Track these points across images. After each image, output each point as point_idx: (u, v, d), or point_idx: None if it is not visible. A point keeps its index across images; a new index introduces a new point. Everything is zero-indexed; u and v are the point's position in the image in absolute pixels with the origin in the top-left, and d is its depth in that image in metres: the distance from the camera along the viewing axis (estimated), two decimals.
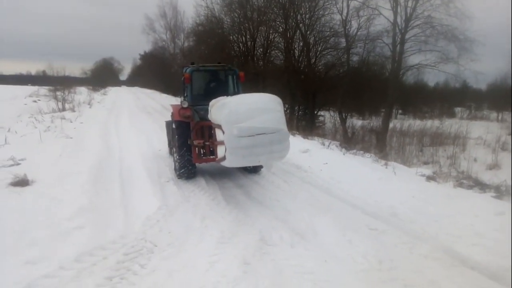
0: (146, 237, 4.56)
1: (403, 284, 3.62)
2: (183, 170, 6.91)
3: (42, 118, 15.59)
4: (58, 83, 27.29)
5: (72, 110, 19.80)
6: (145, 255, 4.13)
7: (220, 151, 5.38)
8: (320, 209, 5.58)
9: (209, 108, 5.54)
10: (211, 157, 6.58)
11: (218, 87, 7.54)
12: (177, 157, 6.90)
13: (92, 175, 7.04)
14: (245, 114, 5.01)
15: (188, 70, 7.22)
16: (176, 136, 6.89)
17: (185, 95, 7.31)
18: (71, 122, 14.87)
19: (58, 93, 23.72)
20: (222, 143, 5.22)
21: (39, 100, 25.06)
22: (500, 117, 31.41)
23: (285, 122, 5.40)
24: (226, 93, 7.13)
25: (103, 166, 7.87)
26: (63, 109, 20.20)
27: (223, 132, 5.12)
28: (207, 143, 6.46)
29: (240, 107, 5.13)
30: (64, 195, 5.81)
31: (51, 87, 27.64)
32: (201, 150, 6.76)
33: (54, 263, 3.81)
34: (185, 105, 6.66)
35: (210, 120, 5.71)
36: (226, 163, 5.34)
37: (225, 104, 5.23)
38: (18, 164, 7.58)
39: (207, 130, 6.48)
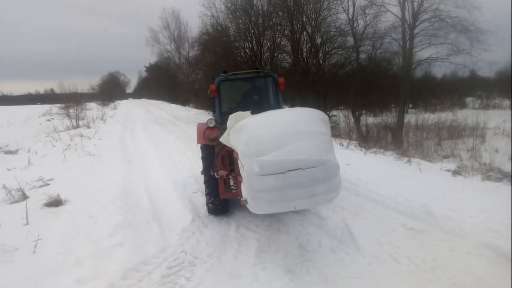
0: (185, 249, 4.62)
1: (451, 283, 3.60)
2: (213, 208, 5.59)
3: (58, 137, 15.89)
4: (68, 100, 27.76)
5: (87, 126, 20.14)
6: (188, 268, 4.18)
7: (244, 190, 3.96)
8: (352, 212, 5.58)
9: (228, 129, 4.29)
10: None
11: (253, 99, 6.16)
12: (204, 188, 5.63)
13: (121, 191, 7.15)
14: (270, 142, 3.56)
15: (216, 81, 5.95)
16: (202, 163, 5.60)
17: (215, 111, 6.08)
18: (90, 139, 15.14)
19: (70, 110, 24.15)
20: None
21: (52, 118, 25.51)
22: None
23: (332, 150, 3.86)
24: (264, 105, 5.98)
25: (129, 181, 7.99)
26: (77, 126, 20.58)
27: (243, 167, 3.78)
28: (230, 176, 5.07)
29: (263, 132, 3.68)
30: (99, 212, 5.93)
31: (62, 105, 28.12)
32: (230, 181, 5.48)
33: (104, 281, 3.88)
34: (212, 124, 5.25)
35: None
36: (250, 208, 3.89)
37: (243, 128, 3.87)
38: (47, 184, 7.75)
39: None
